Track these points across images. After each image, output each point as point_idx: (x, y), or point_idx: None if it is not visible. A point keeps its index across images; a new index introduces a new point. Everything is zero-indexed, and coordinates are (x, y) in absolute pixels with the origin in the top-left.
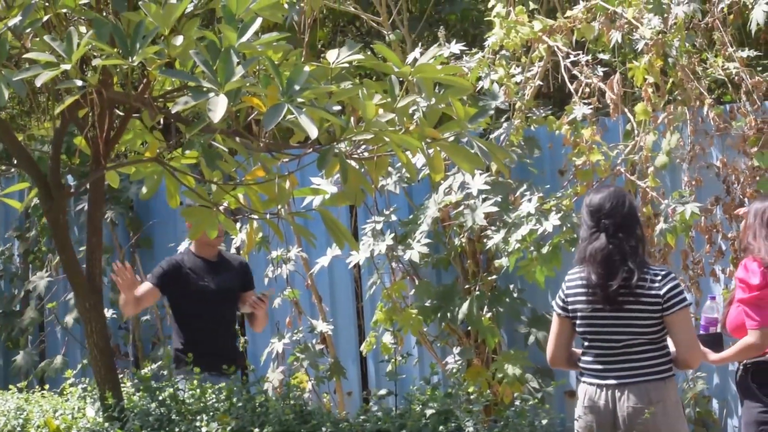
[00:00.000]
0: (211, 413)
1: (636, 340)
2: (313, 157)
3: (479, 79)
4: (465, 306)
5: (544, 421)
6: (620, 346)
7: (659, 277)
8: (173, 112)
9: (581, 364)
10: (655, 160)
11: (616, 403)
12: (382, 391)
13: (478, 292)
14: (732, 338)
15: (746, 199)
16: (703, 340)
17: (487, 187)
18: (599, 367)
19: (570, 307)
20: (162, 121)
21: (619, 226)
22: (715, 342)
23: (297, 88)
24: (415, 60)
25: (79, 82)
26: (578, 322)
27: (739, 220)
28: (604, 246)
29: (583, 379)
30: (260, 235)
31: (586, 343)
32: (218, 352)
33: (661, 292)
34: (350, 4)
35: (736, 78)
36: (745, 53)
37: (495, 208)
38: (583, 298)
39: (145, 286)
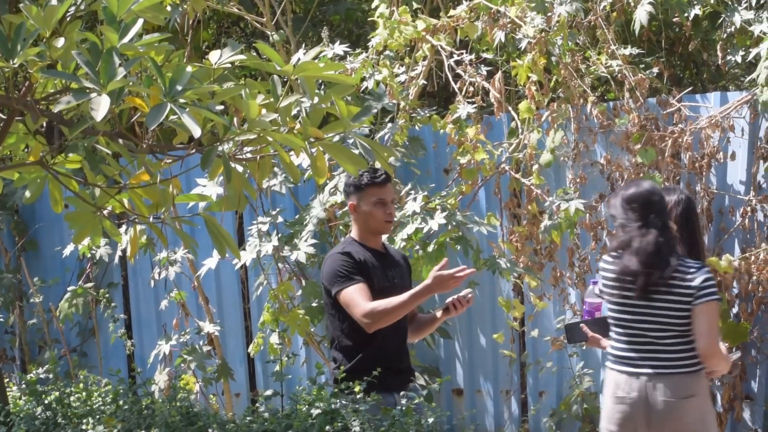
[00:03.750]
0: (98, 416)
1: (668, 331)
2: (198, 159)
3: (363, 79)
4: None
5: (431, 420)
6: (653, 336)
7: (693, 270)
8: (55, 111)
9: (612, 350)
10: (539, 158)
11: (648, 393)
12: (269, 392)
13: None
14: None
15: None
16: (590, 325)
17: None
18: (633, 355)
19: (605, 290)
20: (45, 125)
21: (665, 221)
22: (602, 326)
23: (179, 88)
24: (299, 60)
25: None
26: (611, 307)
27: None
28: (656, 241)
29: (613, 366)
30: (144, 238)
31: (618, 329)
32: (407, 369)
33: (694, 284)
34: (234, 5)
35: (619, 75)
36: (628, 51)
37: None
38: (618, 284)
39: (362, 288)
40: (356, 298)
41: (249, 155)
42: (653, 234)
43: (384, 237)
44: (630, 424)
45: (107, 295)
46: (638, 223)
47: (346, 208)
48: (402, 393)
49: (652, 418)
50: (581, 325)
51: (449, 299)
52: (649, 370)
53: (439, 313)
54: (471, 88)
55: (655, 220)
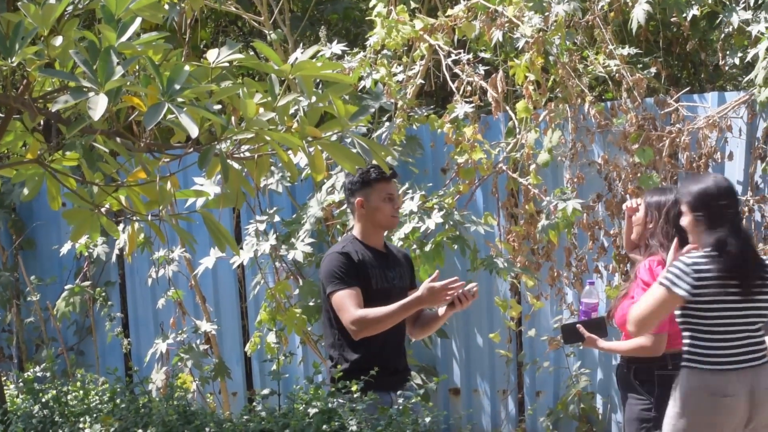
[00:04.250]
0: (95, 415)
1: (760, 323)
2: (195, 158)
3: (361, 78)
4: None
5: (428, 419)
6: (752, 330)
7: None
8: (53, 111)
9: (703, 351)
10: (537, 158)
11: (753, 386)
12: (266, 391)
13: None
14: (615, 328)
15: (628, 196)
16: (587, 326)
17: None
18: (736, 351)
19: (699, 291)
20: (42, 123)
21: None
22: (599, 327)
23: (177, 87)
24: (297, 59)
25: None
26: (707, 307)
27: (621, 216)
28: (746, 236)
29: (710, 366)
30: (142, 236)
31: (714, 329)
32: (404, 368)
33: None
34: (231, 4)
35: (617, 75)
36: (626, 51)
37: None
38: (720, 283)
39: (355, 293)
40: (347, 303)
41: (247, 154)
42: (741, 231)
43: (385, 234)
44: (734, 419)
45: (104, 294)
46: (727, 221)
47: (344, 207)
48: (399, 392)
49: (755, 409)
50: (578, 326)
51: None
52: (753, 363)
53: (442, 310)
54: (468, 88)
55: (735, 215)
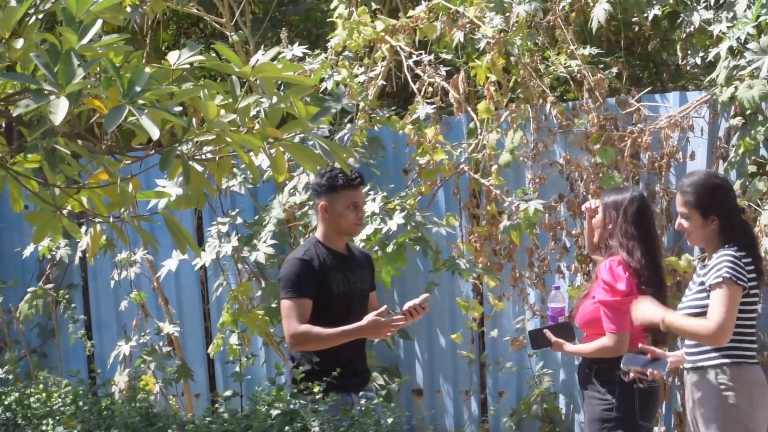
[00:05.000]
0: (58, 417)
1: None
2: (157, 160)
3: (322, 80)
4: None
5: (390, 420)
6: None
7: None
8: (14, 115)
9: (749, 345)
10: (498, 159)
11: None
12: (228, 393)
13: None
14: (579, 330)
15: (590, 196)
16: (554, 331)
17: None
18: (756, 345)
19: (751, 285)
20: (4, 126)
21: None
22: (566, 331)
23: (138, 89)
24: (258, 61)
25: None
26: (754, 299)
27: (583, 216)
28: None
29: (754, 361)
30: (104, 238)
31: (752, 323)
32: (365, 370)
33: None
34: (193, 5)
35: (579, 75)
36: (587, 51)
37: None
38: (757, 278)
39: (307, 305)
40: (292, 314)
41: (208, 155)
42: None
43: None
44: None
45: (67, 296)
46: (735, 213)
47: (306, 209)
48: (361, 393)
49: None
50: (545, 330)
51: (406, 306)
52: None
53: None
54: (430, 89)
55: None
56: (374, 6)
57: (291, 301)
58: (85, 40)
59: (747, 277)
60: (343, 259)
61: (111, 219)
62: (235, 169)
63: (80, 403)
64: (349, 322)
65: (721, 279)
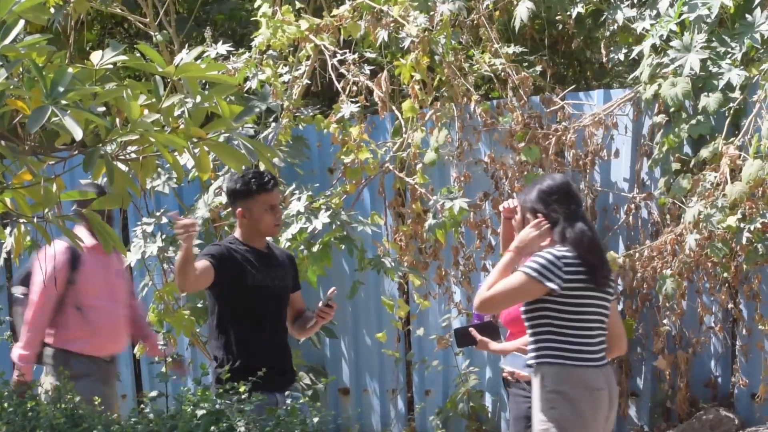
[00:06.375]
0: None
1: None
2: (81, 160)
3: (247, 79)
4: None
5: (316, 419)
6: (603, 326)
7: None
8: None
9: (577, 347)
10: (423, 157)
11: (610, 382)
12: (154, 393)
13: None
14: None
15: (515, 194)
16: (479, 329)
17: None
18: (600, 348)
19: (567, 285)
20: None
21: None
22: (491, 330)
23: (61, 89)
24: (181, 60)
25: None
26: (579, 302)
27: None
28: (588, 230)
29: (581, 363)
30: (29, 238)
31: (585, 324)
32: (290, 369)
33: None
34: (117, 5)
35: (503, 74)
36: (511, 49)
37: None
38: (582, 277)
39: (201, 263)
40: (196, 264)
41: (132, 155)
42: (583, 224)
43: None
44: (603, 413)
45: None
46: (566, 215)
47: (231, 209)
48: (286, 393)
49: (611, 404)
50: (470, 329)
51: (316, 311)
52: (605, 362)
53: (312, 321)
54: (354, 88)
55: (578, 211)
56: (298, 5)
57: (199, 262)
58: (7, 41)
59: (564, 278)
60: (262, 255)
61: (35, 219)
62: (159, 169)
63: (5, 405)
64: (268, 319)
65: (524, 271)
